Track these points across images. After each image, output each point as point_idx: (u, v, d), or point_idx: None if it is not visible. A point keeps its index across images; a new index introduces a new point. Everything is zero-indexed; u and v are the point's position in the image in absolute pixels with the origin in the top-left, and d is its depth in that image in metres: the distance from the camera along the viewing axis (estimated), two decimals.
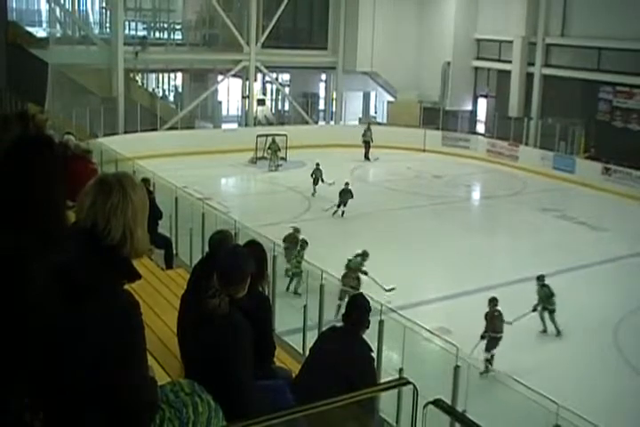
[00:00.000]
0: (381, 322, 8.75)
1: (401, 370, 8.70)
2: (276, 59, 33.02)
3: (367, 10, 33.98)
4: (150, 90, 35.39)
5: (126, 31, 31.94)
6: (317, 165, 23.75)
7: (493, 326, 12.70)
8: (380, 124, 35.10)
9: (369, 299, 5.77)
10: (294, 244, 15.71)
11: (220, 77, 33.75)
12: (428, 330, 10.22)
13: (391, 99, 35.97)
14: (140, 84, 34.44)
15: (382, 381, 6.10)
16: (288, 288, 14.36)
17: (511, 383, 9.26)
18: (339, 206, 21.34)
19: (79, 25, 32.01)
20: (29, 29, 30.95)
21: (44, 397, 2.59)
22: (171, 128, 30.44)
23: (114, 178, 2.72)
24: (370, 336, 5.74)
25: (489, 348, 12.60)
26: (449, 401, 7.44)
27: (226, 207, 19.84)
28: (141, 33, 34.34)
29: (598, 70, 29.44)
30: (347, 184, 21.66)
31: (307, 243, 15.58)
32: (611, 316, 14.73)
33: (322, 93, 37.95)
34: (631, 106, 28.58)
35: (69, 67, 27.97)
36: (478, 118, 35.17)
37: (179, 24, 36.62)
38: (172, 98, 37.91)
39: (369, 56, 34.19)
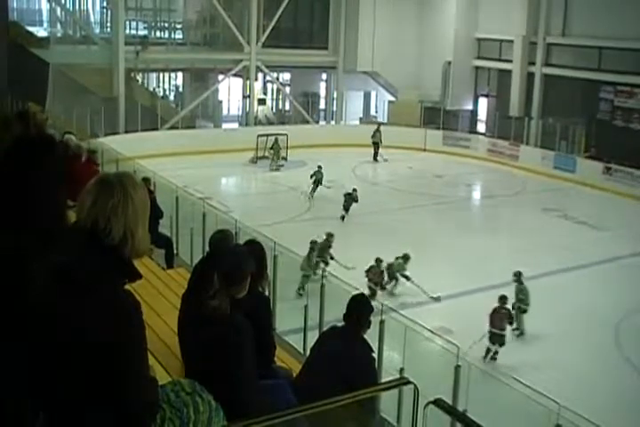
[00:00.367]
0: (382, 322, 8.74)
1: (402, 370, 8.70)
2: (276, 58, 33.01)
3: (368, 9, 33.97)
4: (151, 89, 35.40)
5: (127, 31, 31.93)
6: (319, 167, 23.65)
7: (499, 322, 12.78)
8: (380, 123, 35.11)
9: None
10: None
11: (220, 77, 33.74)
12: (429, 330, 10.23)
13: (392, 98, 35.97)
14: (140, 83, 34.43)
15: (383, 380, 6.10)
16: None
17: (512, 383, 9.28)
18: (346, 211, 21.10)
19: (80, 24, 32.01)
20: (30, 29, 30.97)
21: (44, 397, 2.60)
22: (171, 128, 30.44)
23: (115, 178, 2.71)
24: (371, 336, 5.74)
25: (494, 342, 12.74)
26: (450, 401, 7.45)
27: (226, 207, 19.84)
28: (142, 32, 34.33)
29: (599, 70, 29.42)
30: (354, 190, 21.42)
31: (316, 243, 15.67)
32: (612, 315, 14.72)
33: (322, 93, 37.94)
34: (632, 105, 28.56)
35: (70, 66, 27.97)
36: (479, 118, 35.15)
37: (179, 24, 36.60)
38: (172, 97, 37.93)
39: (369, 56, 34.18)
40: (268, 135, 28.91)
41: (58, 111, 24.14)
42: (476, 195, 28.80)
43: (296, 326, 9.74)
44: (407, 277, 15.37)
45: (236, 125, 33.72)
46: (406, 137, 31.04)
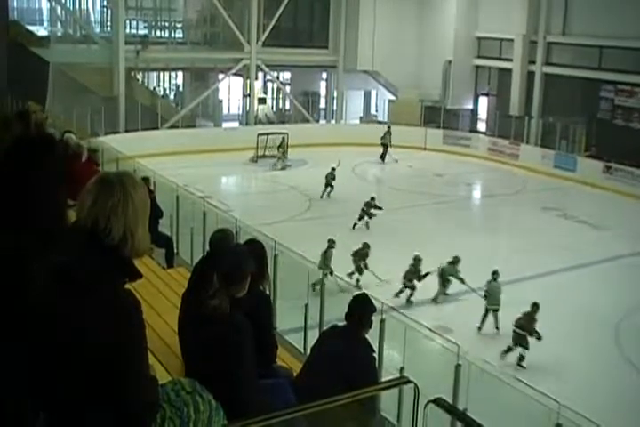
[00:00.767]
0: (382, 321, 8.74)
1: (402, 369, 8.70)
2: (276, 57, 33.01)
3: (368, 9, 33.96)
4: (151, 89, 35.40)
5: (127, 30, 31.91)
6: (333, 169, 23.53)
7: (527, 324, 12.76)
8: (380, 122, 35.11)
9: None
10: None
11: (220, 76, 33.75)
12: (430, 329, 10.24)
13: (392, 97, 35.96)
14: (141, 82, 34.43)
15: (383, 380, 6.10)
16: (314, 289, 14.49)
17: (513, 382, 9.28)
18: (359, 219, 20.46)
19: (80, 24, 32.02)
20: (30, 28, 30.96)
21: (44, 397, 2.60)
22: (171, 127, 30.45)
23: (115, 177, 2.71)
24: (371, 335, 5.73)
25: (515, 342, 12.82)
26: (450, 400, 7.45)
27: (227, 206, 19.84)
28: (142, 32, 34.32)
29: (599, 69, 29.42)
30: (372, 199, 20.68)
31: (334, 242, 15.71)
32: (612, 315, 14.73)
33: (323, 92, 37.93)
34: (632, 104, 28.56)
35: (70, 66, 27.97)
36: (479, 117, 35.15)
37: (180, 23, 36.59)
38: (172, 97, 37.93)
39: (370, 55, 34.16)
40: (268, 134, 28.91)
41: (58, 110, 24.14)
42: (477, 194, 28.79)
43: (296, 326, 9.73)
44: (461, 280, 15.23)
45: (236, 124, 33.74)
46: (406, 136, 31.03)
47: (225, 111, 35.64)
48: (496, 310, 13.94)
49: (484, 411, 7.72)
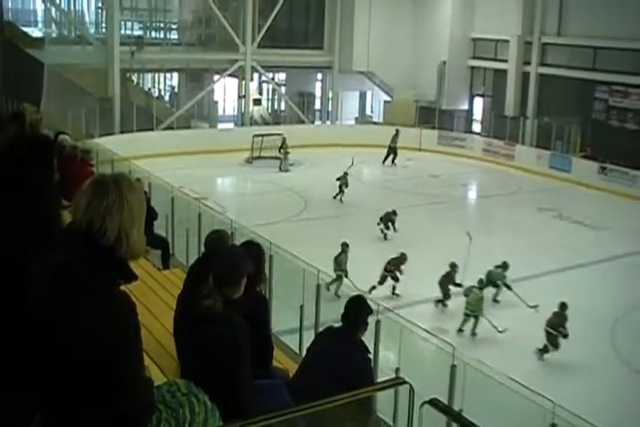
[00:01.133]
0: (378, 322, 8.75)
1: (397, 370, 8.70)
2: (272, 58, 33.00)
3: (363, 9, 33.99)
4: (146, 90, 35.38)
5: (122, 31, 31.87)
6: (345, 174, 23.49)
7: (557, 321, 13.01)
8: (376, 123, 35.15)
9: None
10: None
11: (216, 77, 33.75)
12: (425, 329, 10.25)
13: (387, 98, 35.98)
14: (136, 83, 34.41)
15: (379, 380, 6.10)
16: (328, 288, 14.47)
17: (508, 383, 9.28)
18: (387, 228, 19.93)
19: (75, 25, 32.00)
20: (25, 29, 30.91)
21: (42, 397, 2.60)
22: (167, 128, 30.42)
23: (110, 178, 2.71)
24: (366, 336, 5.74)
25: (549, 341, 12.98)
26: (445, 400, 7.45)
27: (222, 207, 19.84)
28: (137, 33, 34.30)
29: (594, 69, 29.50)
30: (394, 213, 19.94)
31: (347, 245, 15.60)
32: (610, 314, 14.74)
33: (318, 93, 37.93)
34: (627, 105, 28.63)
35: (65, 67, 27.94)
36: (474, 117, 35.20)
37: (175, 24, 36.59)
38: (168, 98, 37.91)
39: (365, 56, 34.15)
40: (263, 135, 28.91)
41: (53, 112, 24.10)
42: (472, 195, 28.80)
43: (292, 327, 9.73)
44: (508, 287, 15.13)
45: (231, 126, 33.71)
46: (402, 137, 31.01)
47: (220, 112, 35.59)
48: (475, 316, 13.81)
49: (479, 411, 7.76)
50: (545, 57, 32.00)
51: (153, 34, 34.81)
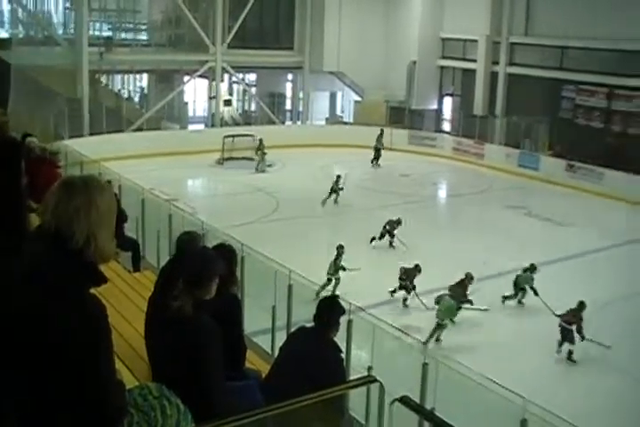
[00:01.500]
0: (350, 322, 8.77)
1: (370, 368, 8.72)
2: (242, 59, 32.93)
3: (333, 10, 34.05)
4: (116, 91, 35.12)
5: (91, 32, 31.57)
6: (338, 177, 23.23)
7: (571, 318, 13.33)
8: (346, 123, 35.24)
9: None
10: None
11: (186, 78, 33.59)
12: (397, 328, 10.31)
13: (358, 98, 36.07)
14: (105, 85, 34.15)
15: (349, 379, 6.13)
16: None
17: (480, 379, 9.36)
18: (392, 236, 19.07)
19: (42, 26, 31.66)
20: None
21: (13, 400, 2.59)
22: (137, 129, 30.24)
23: (80, 180, 2.70)
24: (339, 335, 5.77)
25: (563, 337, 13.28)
26: (417, 398, 7.51)
27: (193, 209, 19.78)
28: (106, 34, 34.03)
29: (561, 69, 29.88)
30: (399, 222, 18.99)
31: (342, 247, 15.48)
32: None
33: (288, 93, 37.93)
34: (593, 104, 29.01)
35: (33, 68, 27.64)
36: (444, 117, 35.45)
37: (144, 25, 36.35)
38: (138, 99, 37.65)
39: (335, 56, 34.20)
40: (234, 136, 28.87)
41: (21, 113, 23.83)
42: (443, 193, 29.01)
43: (264, 327, 9.73)
44: (535, 291, 14.97)
45: (201, 127, 33.59)
46: (372, 137, 31.19)
47: (191, 113, 35.47)
48: (444, 326, 13.47)
49: (451, 409, 7.83)
50: (513, 57, 32.31)
51: (122, 35, 34.53)
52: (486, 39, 32.42)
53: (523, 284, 15.29)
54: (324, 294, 14.22)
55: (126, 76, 36.98)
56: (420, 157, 30.32)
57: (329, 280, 15.13)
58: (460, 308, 13.66)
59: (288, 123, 35.96)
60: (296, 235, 19.43)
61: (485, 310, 14.44)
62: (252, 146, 28.67)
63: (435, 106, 35.29)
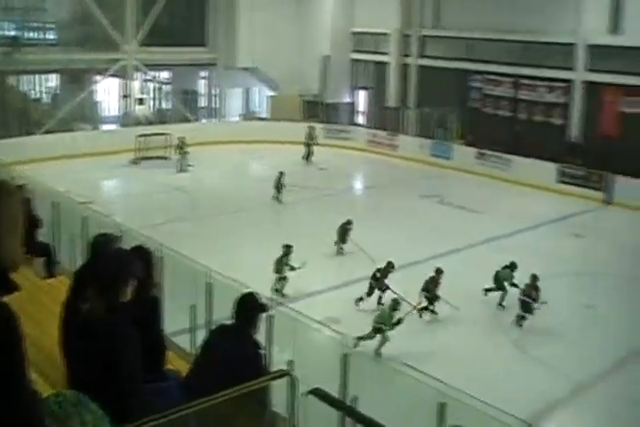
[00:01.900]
0: (271, 317, 8.84)
1: (290, 362, 8.79)
2: (155, 57, 32.44)
3: (245, 5, 33.89)
4: (24, 92, 34.12)
5: None
6: (281, 173, 23.03)
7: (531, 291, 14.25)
8: (262, 119, 35.19)
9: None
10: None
11: (97, 77, 32.91)
12: (318, 321, 10.45)
13: (273, 93, 36.07)
14: (12, 86, 33.14)
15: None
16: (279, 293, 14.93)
17: (401, 367, 9.61)
18: (344, 242, 18.22)
19: None
20: None
21: None
22: (48, 131, 29.50)
23: None
24: (260, 331, 5.80)
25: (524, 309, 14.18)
26: (338, 389, 7.65)
27: (108, 210, 19.47)
28: (12, 33, 33.00)
29: (469, 60, 30.66)
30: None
31: (289, 246, 15.38)
32: (494, 296, 15.36)
33: (203, 90, 37.60)
34: (500, 93, 29.91)
35: None
36: (358, 110, 35.82)
37: (52, 23, 35.38)
38: (49, 100, 36.65)
39: (249, 52, 34.07)
40: (148, 135, 28.50)
41: None
42: (359, 185, 29.33)
43: (185, 327, 9.70)
44: (516, 286, 14.87)
45: (114, 127, 33.01)
46: (288, 131, 31.27)
47: (105, 113, 34.78)
48: (382, 331, 12.89)
49: (374, 398, 8.02)
50: (424, 49, 32.96)
51: (29, 34, 33.54)
52: (397, 32, 32.95)
53: (502, 280, 15.31)
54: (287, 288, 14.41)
55: (35, 77, 35.98)
56: (336, 150, 30.46)
57: (282, 278, 15.11)
58: (395, 309, 13.02)
59: (203, 120, 35.67)
60: (213, 233, 19.37)
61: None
62: (166, 144, 28.33)
63: (349, 99, 35.64)
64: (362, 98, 35.81)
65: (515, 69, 29.11)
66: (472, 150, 29.02)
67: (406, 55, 33.30)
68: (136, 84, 33.33)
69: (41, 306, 6.53)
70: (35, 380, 3.14)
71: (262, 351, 5.70)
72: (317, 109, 34.23)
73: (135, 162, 28.29)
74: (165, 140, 28.42)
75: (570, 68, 27.64)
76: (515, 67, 29.07)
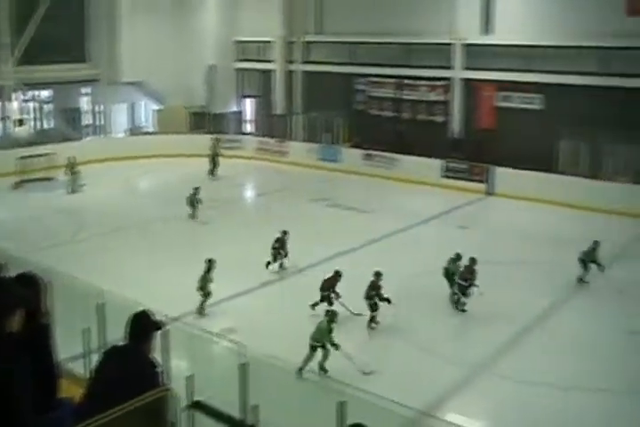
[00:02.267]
0: (167, 333, 8.86)
1: (190, 377, 8.82)
2: (34, 75, 31.40)
3: (126, 18, 33.53)
4: None
5: None
6: (195, 189, 22.48)
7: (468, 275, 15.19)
8: (149, 133, 34.78)
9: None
10: None
11: None
12: (215, 333, 10.50)
13: (159, 107, 35.73)
14: None
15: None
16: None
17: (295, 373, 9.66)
18: (282, 255, 17.82)
19: None
20: None
21: None
22: None
23: None
24: (156, 348, 5.81)
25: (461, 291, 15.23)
26: (237, 398, 7.78)
27: None
28: None
29: (353, 64, 31.43)
30: (284, 233, 17.83)
31: (213, 261, 15.12)
32: (389, 289, 15.63)
33: (87, 107, 36.73)
34: (383, 94, 30.74)
35: None
36: (246, 119, 35.96)
37: None
38: None
39: (132, 66, 33.62)
40: (30, 157, 27.46)
41: None
42: (250, 194, 29.29)
43: (79, 352, 9.55)
44: (466, 280, 15.34)
45: None
46: (175, 144, 31.10)
47: None
48: (322, 346, 12.29)
49: (276, 404, 8.20)
50: (308, 55, 33.51)
51: None
52: (281, 40, 33.40)
53: (452, 272, 15.82)
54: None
55: None
56: (226, 160, 29.98)
57: (206, 295, 14.85)
58: (332, 321, 12.41)
59: (88, 138, 34.83)
60: (101, 253, 18.86)
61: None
62: (50, 165, 27.41)
63: (236, 108, 35.75)
64: (249, 106, 36.00)
65: (397, 71, 30.11)
66: (359, 152, 29.69)
67: (291, 62, 33.77)
68: (15, 105, 32.30)
69: None
70: None
71: (159, 370, 5.77)
72: (205, 120, 34.17)
73: (17, 186, 26.99)
74: (49, 160, 27.57)
75: (448, 67, 28.76)
76: (397, 68, 30.06)
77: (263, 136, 33.27)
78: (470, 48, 28.36)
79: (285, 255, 17.19)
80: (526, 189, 24.91)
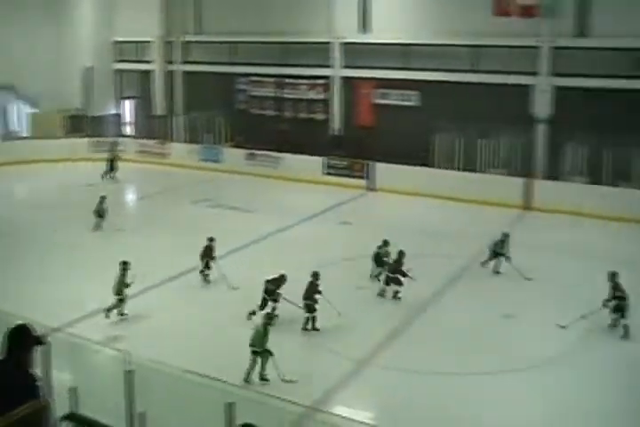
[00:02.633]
0: (49, 344, 8.73)
1: (73, 389, 8.70)
2: None
3: None
4: None
5: None
6: (102, 198, 21.34)
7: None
8: (22, 138, 33.58)
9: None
10: None
11: None
12: (96, 342, 10.35)
13: (33, 110, 34.56)
14: None
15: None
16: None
17: (184, 375, 9.76)
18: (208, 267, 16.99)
19: None
20: None
21: None
22: None
23: None
24: (37, 361, 5.77)
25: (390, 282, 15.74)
26: (123, 406, 7.77)
27: None
28: None
29: (233, 63, 31.51)
30: (211, 240, 17.02)
31: (127, 263, 14.59)
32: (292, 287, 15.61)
33: None
34: (265, 93, 30.98)
35: None
36: (126, 121, 35.37)
37: None
38: None
39: (4, 68, 32.38)
40: None
41: None
42: (130, 197, 28.22)
43: None
44: (392, 261, 15.97)
45: None
46: (49, 149, 30.22)
47: None
48: (261, 353, 11.87)
49: (164, 409, 8.21)
50: (188, 55, 33.35)
51: None
52: (160, 40, 33.08)
53: (383, 257, 16.46)
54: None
55: None
56: (104, 164, 28.76)
57: (120, 300, 14.42)
58: (269, 324, 11.97)
59: None
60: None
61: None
62: None
63: (115, 110, 35.11)
64: (128, 108, 35.43)
65: (277, 70, 30.44)
66: (241, 152, 29.81)
67: (170, 62, 33.52)
68: None
69: None
70: None
71: (39, 383, 5.66)
72: (82, 123, 33.38)
73: None
74: None
75: (327, 66, 29.28)
76: (277, 67, 30.37)
77: (143, 138, 32.84)
78: (348, 47, 28.98)
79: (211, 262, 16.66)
80: (405, 184, 25.73)
